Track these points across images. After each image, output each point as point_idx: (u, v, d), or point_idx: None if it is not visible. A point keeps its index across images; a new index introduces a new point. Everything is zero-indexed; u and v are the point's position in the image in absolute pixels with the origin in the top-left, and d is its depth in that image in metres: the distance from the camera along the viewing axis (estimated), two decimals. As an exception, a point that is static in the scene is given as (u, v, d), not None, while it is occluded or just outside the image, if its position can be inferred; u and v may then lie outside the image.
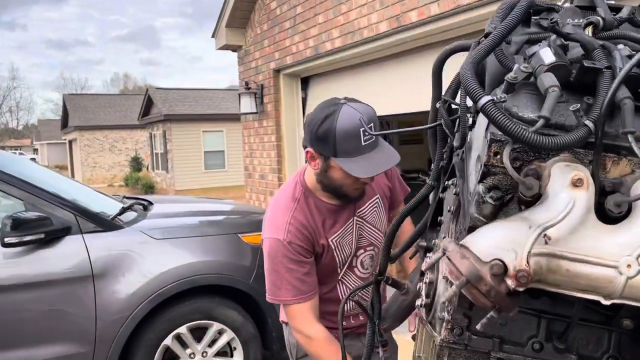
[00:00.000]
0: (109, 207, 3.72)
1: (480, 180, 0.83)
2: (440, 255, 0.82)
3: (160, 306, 3.34)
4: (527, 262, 0.72)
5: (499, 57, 0.89)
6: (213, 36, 7.41)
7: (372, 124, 1.64)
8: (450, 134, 1.11)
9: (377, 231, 1.97)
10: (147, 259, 3.39)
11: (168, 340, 3.39)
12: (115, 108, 30.35)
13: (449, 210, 1.05)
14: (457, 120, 1.15)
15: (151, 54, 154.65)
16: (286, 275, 1.82)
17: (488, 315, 0.73)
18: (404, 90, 4.83)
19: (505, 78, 0.80)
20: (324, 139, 1.66)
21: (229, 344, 3.61)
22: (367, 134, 1.63)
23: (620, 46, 0.85)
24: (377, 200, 1.96)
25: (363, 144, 1.64)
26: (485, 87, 0.95)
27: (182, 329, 3.43)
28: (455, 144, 1.00)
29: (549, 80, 0.77)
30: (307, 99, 6.51)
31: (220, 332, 3.57)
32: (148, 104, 22.78)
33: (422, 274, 1.32)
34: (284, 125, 6.50)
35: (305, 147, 1.78)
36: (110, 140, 29.04)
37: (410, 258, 1.58)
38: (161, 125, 21.70)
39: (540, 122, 0.75)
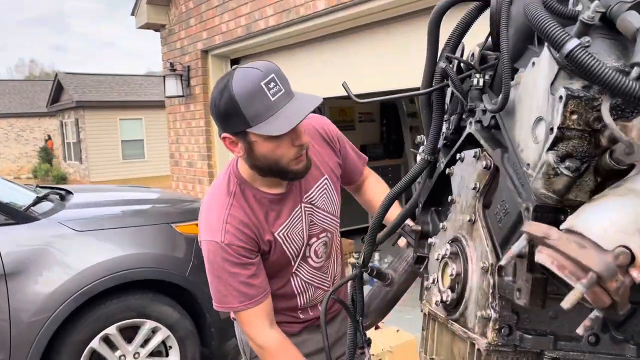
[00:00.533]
0: (20, 197, 3.30)
1: (551, 148, 0.69)
2: (524, 244, 0.65)
3: (86, 305, 3.01)
4: None
5: (550, 3, 0.74)
6: (133, 14, 6.90)
7: (273, 75, 1.40)
8: (463, 96, 0.96)
9: (329, 215, 1.77)
10: (68, 253, 3.04)
11: (95, 343, 3.06)
12: (22, 95, 28.21)
13: (474, 188, 0.88)
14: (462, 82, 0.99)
15: (60, 39, 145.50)
16: (230, 281, 1.59)
17: (592, 316, 0.57)
18: (343, 72, 4.68)
19: (580, 18, 0.66)
20: (230, 114, 1.42)
21: (164, 342, 3.34)
22: (272, 86, 1.39)
23: None
24: (326, 181, 1.74)
25: (272, 99, 1.39)
26: (506, 40, 0.80)
27: (111, 330, 3.12)
28: (490, 107, 0.84)
29: (637, 19, 0.64)
30: (237, 81, 6.21)
31: (154, 331, 3.29)
32: (57, 90, 21.30)
33: (418, 263, 1.17)
34: (213, 109, 6.16)
35: (220, 136, 1.53)
36: (16, 129, 26.99)
37: (393, 245, 1.41)
38: (73, 113, 20.37)
39: (636, 70, 0.62)
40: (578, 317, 0.78)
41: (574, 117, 0.67)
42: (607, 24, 0.69)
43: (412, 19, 4.06)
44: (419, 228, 1.15)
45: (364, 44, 4.51)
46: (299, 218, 1.70)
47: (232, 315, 1.91)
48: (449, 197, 0.99)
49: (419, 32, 4.01)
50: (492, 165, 0.85)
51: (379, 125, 8.93)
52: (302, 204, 1.70)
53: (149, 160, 20.33)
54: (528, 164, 0.74)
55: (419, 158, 1.21)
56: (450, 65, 0.99)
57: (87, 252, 3.09)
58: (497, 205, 0.84)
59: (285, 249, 1.70)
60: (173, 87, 6.32)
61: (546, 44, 0.72)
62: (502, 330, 0.79)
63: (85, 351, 3.03)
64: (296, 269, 1.77)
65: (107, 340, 3.13)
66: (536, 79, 0.74)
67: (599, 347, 0.79)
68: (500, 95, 0.80)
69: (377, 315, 1.43)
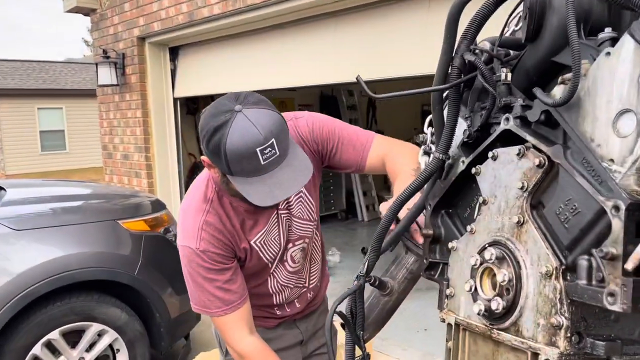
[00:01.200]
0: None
1: None
2: None
3: (26, 310, 2.80)
4: None
5: None
6: (60, -4, 6.46)
7: (273, 140, 1.32)
8: (493, 89, 0.91)
9: (305, 222, 1.73)
10: (6, 254, 2.81)
11: (37, 349, 2.85)
12: None
13: (521, 188, 0.84)
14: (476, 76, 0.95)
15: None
16: (206, 286, 1.54)
17: None
18: (290, 64, 4.62)
19: None
20: (216, 154, 1.35)
21: (110, 346, 3.17)
22: (267, 151, 1.32)
23: None
24: (302, 191, 1.69)
25: (263, 163, 1.32)
26: (575, 25, 0.77)
27: (54, 334, 2.92)
28: (549, 100, 0.79)
29: None
30: (176, 70, 5.98)
31: (100, 334, 3.11)
32: (-34, 76, 19.66)
33: (429, 269, 1.11)
34: (151, 99, 5.91)
35: (201, 153, 1.48)
36: None
37: (391, 251, 1.36)
38: (-16, 101, 18.90)
39: None
40: (636, 319, 0.77)
41: None
42: None
43: (360, 12, 4.07)
44: (431, 232, 1.09)
45: (311, 36, 4.46)
46: (275, 225, 1.66)
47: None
48: (476, 198, 0.94)
49: (366, 26, 4.03)
50: (547, 162, 0.81)
51: (318, 118, 8.93)
52: (279, 211, 1.66)
53: (70, 152, 19.26)
54: (611, 160, 0.71)
55: (422, 158, 1.16)
56: (478, 57, 0.94)
57: (27, 252, 2.88)
58: (559, 205, 0.80)
59: (262, 255, 1.66)
60: (106, 75, 5.97)
61: (629, 32, 0.70)
62: (573, 338, 0.75)
63: (27, 358, 2.82)
64: (273, 272, 1.74)
65: (49, 345, 2.93)
66: (616, 69, 0.71)
67: None
68: (567, 88, 0.77)
69: (375, 328, 1.36)
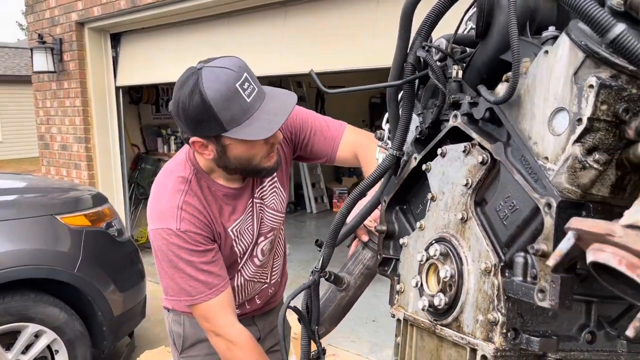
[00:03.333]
0: None
1: (578, 140, 0.66)
2: (573, 242, 0.62)
3: (-45, 312, 2.61)
4: None
5: None
6: (-10, -25, 6.06)
7: (245, 74, 1.31)
8: (444, 87, 0.91)
9: (277, 213, 1.71)
10: None
11: (-33, 354, 2.67)
12: None
13: (465, 184, 0.84)
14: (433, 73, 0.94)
15: None
16: (188, 270, 1.47)
17: None
18: (237, 54, 4.51)
19: (609, 4, 0.64)
20: (202, 119, 1.31)
21: (49, 347, 3.03)
22: (246, 87, 1.31)
23: None
24: (275, 179, 1.67)
25: (249, 100, 1.31)
26: (515, 25, 0.77)
27: (-14, 337, 2.74)
28: (490, 98, 0.80)
29: None
30: (118, 58, 5.74)
31: (37, 335, 2.97)
32: None
33: (383, 265, 1.10)
34: (91, 87, 5.65)
35: (187, 140, 1.42)
36: None
37: (348, 246, 1.34)
38: None
39: None
40: (574, 315, 0.80)
41: (604, 107, 0.65)
42: (624, 15, 0.67)
43: (310, 3, 4.03)
44: (385, 228, 1.08)
45: (260, 25, 4.39)
46: (250, 214, 1.62)
47: (164, 304, 1.76)
48: (427, 195, 0.94)
49: (316, 17, 3.99)
50: (489, 159, 0.81)
51: (267, 109, 8.83)
52: (254, 199, 1.62)
53: (4, 141, 18.26)
54: (546, 157, 0.72)
55: (379, 154, 1.14)
56: (430, 55, 0.94)
57: (-45, 250, 2.69)
58: (499, 202, 0.81)
59: (235, 245, 1.61)
60: (42, 61, 5.67)
61: (565, 32, 0.70)
62: (509, 334, 0.76)
63: (-44, 364, 2.65)
64: (241, 267, 1.69)
65: (-19, 349, 2.76)
66: (553, 67, 0.72)
67: (595, 345, 0.79)
68: (507, 86, 0.77)
69: (331, 323, 1.36)
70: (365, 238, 1.33)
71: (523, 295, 0.73)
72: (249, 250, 1.66)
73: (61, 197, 3.47)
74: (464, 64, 0.93)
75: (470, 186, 0.84)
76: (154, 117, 6.85)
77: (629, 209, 0.61)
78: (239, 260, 1.66)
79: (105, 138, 5.78)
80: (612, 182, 0.69)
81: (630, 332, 0.56)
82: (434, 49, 0.95)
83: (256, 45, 4.39)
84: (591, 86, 0.65)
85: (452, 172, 0.88)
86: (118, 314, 3.29)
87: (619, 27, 0.61)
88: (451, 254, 0.84)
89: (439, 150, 0.91)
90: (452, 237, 0.86)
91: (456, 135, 0.89)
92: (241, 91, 1.29)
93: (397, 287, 1.00)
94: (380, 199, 1.10)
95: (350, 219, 1.17)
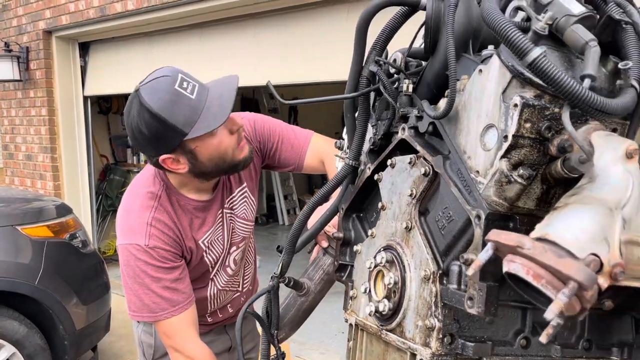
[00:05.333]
0: None
1: (504, 156, 0.70)
2: (491, 252, 0.64)
3: None
4: (620, 253, 0.61)
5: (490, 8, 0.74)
6: (-46, -18, 5.94)
7: (180, 75, 1.33)
8: (394, 100, 0.95)
9: (247, 223, 1.72)
10: None
11: None
12: None
13: (410, 195, 0.87)
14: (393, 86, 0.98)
15: None
16: (152, 286, 1.47)
17: (554, 323, 0.57)
18: (208, 65, 4.51)
19: (534, 28, 0.68)
20: (159, 134, 1.32)
21: (7, 361, 2.93)
22: (185, 85, 1.31)
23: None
24: (245, 188, 1.68)
25: (193, 97, 1.31)
26: (453, 44, 0.80)
27: (-60, 352, 2.65)
28: (432, 113, 0.83)
29: (585, 33, 0.67)
30: (87, 67, 5.67)
31: (-5, 350, 2.87)
32: None
33: (340, 271, 1.13)
34: (58, 96, 5.56)
35: (156, 163, 1.41)
36: None
37: (309, 252, 1.36)
38: None
39: (587, 82, 0.65)
40: (510, 321, 0.82)
41: (528, 125, 0.69)
42: (551, 37, 0.71)
43: (280, 15, 4.05)
44: (341, 235, 1.10)
45: (230, 37, 4.39)
46: (220, 224, 1.63)
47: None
48: (379, 204, 0.97)
49: (287, 30, 4.02)
50: (431, 171, 0.84)
51: (239, 120, 8.81)
52: (224, 210, 1.63)
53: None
54: (477, 171, 0.75)
55: (339, 163, 1.17)
56: (381, 69, 0.97)
57: None
58: (438, 212, 0.84)
59: (206, 256, 1.61)
60: (8, 69, 5.54)
61: (496, 52, 0.73)
62: (445, 339, 0.79)
63: None
64: (213, 277, 1.69)
65: None
66: (485, 86, 0.75)
67: (530, 350, 0.82)
68: (445, 102, 0.80)
69: (291, 327, 1.37)
70: (325, 244, 1.35)
71: (456, 303, 0.76)
72: (220, 259, 1.66)
73: (23, 207, 3.40)
74: (418, 77, 0.96)
75: (415, 196, 0.87)
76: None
77: (541, 222, 0.64)
78: (211, 270, 1.66)
79: (72, 148, 5.68)
80: (537, 196, 0.73)
81: (543, 339, 0.59)
82: (384, 63, 0.98)
83: (227, 57, 4.39)
84: (515, 105, 0.68)
85: (399, 182, 0.92)
86: (80, 327, 3.22)
87: (536, 52, 0.64)
88: (396, 261, 0.87)
89: (389, 162, 0.94)
90: (398, 245, 0.89)
91: (407, 147, 0.92)
92: (182, 91, 1.30)
93: (351, 292, 1.02)
94: (339, 207, 1.13)
95: (311, 225, 1.19)
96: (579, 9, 0.68)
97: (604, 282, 0.59)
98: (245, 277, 1.83)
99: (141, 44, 5.12)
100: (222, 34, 4.47)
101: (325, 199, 1.09)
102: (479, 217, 0.73)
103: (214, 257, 1.63)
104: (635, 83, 0.68)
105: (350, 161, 1.04)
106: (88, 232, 3.75)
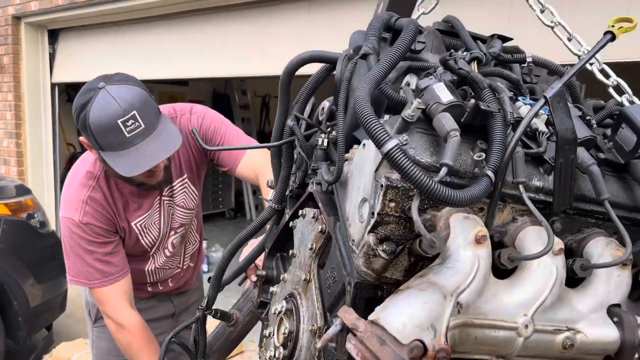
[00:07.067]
0: None
1: (371, 231, 0.73)
2: (339, 329, 0.69)
3: None
4: (446, 339, 0.66)
5: (382, 89, 0.80)
6: None
7: (134, 112, 1.38)
8: (307, 156, 0.98)
9: (187, 211, 1.81)
10: None
11: None
12: None
13: (310, 249, 0.90)
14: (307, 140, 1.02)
15: None
16: (86, 257, 1.58)
17: None
18: (176, 56, 4.59)
19: (402, 115, 0.71)
20: (84, 131, 1.42)
21: (-42, 336, 2.95)
22: (129, 123, 1.38)
23: (500, 83, 0.82)
24: (186, 180, 1.76)
25: (128, 136, 1.38)
26: (343, 116, 0.84)
27: None
28: (326, 177, 0.87)
29: (449, 122, 0.69)
30: (55, 54, 5.68)
31: (-54, 323, 2.89)
32: None
33: (261, 307, 1.16)
34: (24, 82, 5.56)
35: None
36: None
37: (240, 285, 1.43)
38: None
39: (444, 170, 0.68)
40: None
41: (392, 204, 0.71)
42: (427, 119, 0.73)
43: (246, 9, 4.15)
44: (264, 273, 1.15)
45: (198, 29, 4.47)
46: (157, 210, 1.71)
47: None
48: (290, 250, 1.01)
49: (252, 23, 4.12)
50: (327, 230, 0.86)
51: (210, 115, 8.83)
52: (162, 197, 1.71)
53: None
54: (353, 240, 0.77)
55: (266, 204, 1.22)
56: (298, 123, 1.00)
57: None
58: (327, 271, 0.86)
59: (141, 238, 1.70)
60: (-25, 54, 5.54)
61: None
62: None
63: None
64: (152, 256, 1.79)
65: None
66: (365, 161, 0.77)
67: None
68: (336, 168, 0.84)
69: (219, 356, 1.44)
70: (254, 278, 1.37)
71: None
72: (157, 243, 1.76)
73: (-19, 185, 3.42)
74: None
75: (314, 251, 0.91)
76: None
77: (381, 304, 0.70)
78: (150, 250, 1.76)
79: (38, 134, 5.68)
80: (405, 267, 0.76)
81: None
82: (301, 119, 1.02)
83: (195, 49, 4.47)
84: (381, 185, 0.70)
85: (306, 234, 0.95)
86: (35, 305, 3.26)
87: (390, 144, 0.66)
88: (294, 311, 0.91)
89: (300, 212, 0.98)
90: (298, 296, 0.92)
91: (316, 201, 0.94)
92: (122, 127, 1.37)
93: (265, 331, 1.05)
94: (265, 246, 1.18)
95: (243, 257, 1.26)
96: (447, 98, 0.71)
97: None
98: (185, 257, 1.92)
99: (110, 32, 5.16)
100: (189, 25, 4.54)
101: (247, 239, 1.14)
102: (350, 284, 0.76)
103: (150, 239, 1.72)
104: (489, 173, 0.70)
105: (273, 204, 1.09)
106: (51, 217, 3.78)
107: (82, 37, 5.45)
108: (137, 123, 1.38)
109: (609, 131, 0.91)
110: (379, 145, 0.67)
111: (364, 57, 0.84)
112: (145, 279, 1.85)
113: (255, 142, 1.80)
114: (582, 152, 0.79)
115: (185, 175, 1.74)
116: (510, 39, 1.02)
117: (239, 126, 7.54)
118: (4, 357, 3.20)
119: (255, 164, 1.73)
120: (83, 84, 1.46)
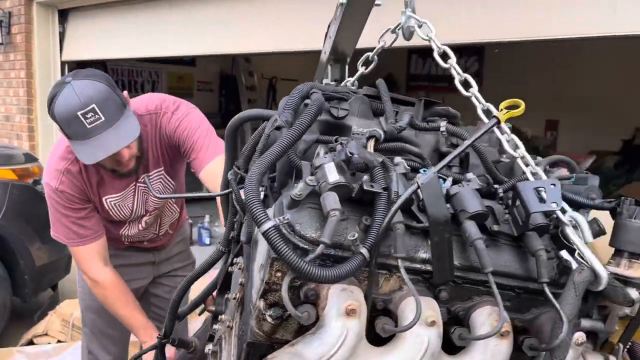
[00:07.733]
0: None
1: (261, 296, 0.78)
2: None
3: None
4: None
5: (290, 158, 0.86)
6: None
7: (93, 105, 1.51)
8: (241, 210, 1.01)
9: (162, 200, 1.97)
10: None
11: None
12: None
13: (234, 298, 0.97)
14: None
15: None
16: (63, 220, 1.79)
17: None
18: (186, 33, 4.70)
19: (291, 195, 0.76)
20: (54, 120, 1.58)
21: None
22: (89, 116, 1.51)
23: (398, 159, 0.87)
24: (162, 172, 1.90)
25: (89, 127, 1.52)
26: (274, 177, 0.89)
27: None
28: (242, 238, 0.93)
29: (331, 202, 0.73)
30: (65, 33, 5.88)
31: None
32: None
33: (211, 341, 1.25)
34: (36, 60, 5.77)
35: None
36: None
37: (199, 314, 1.52)
38: None
39: (320, 248, 0.72)
40: None
41: (279, 274, 0.75)
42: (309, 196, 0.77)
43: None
44: (213, 309, 1.24)
45: (206, 5, 4.57)
46: (131, 193, 1.88)
47: None
48: (229, 293, 1.08)
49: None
50: (245, 286, 0.91)
51: (218, 96, 9.02)
52: (138, 184, 1.87)
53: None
54: (251, 301, 0.82)
55: (215, 247, 1.28)
56: (235, 177, 1.03)
57: None
58: (241, 323, 0.91)
59: (113, 214, 1.88)
60: (-10, 33, 5.76)
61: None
62: None
63: None
64: (127, 225, 1.98)
65: None
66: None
67: None
68: (247, 231, 0.90)
69: None
70: (212, 309, 1.43)
71: None
72: (129, 219, 1.94)
73: (-10, 151, 3.63)
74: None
75: (238, 300, 0.98)
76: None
77: None
78: (122, 223, 1.95)
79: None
80: (295, 329, 0.81)
81: None
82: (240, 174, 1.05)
83: (201, 26, 4.57)
84: (269, 257, 0.75)
85: (235, 282, 1.03)
86: (40, 264, 3.47)
87: (266, 225, 0.71)
88: (218, 354, 0.97)
89: (235, 260, 1.06)
90: (224, 340, 1.00)
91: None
92: (82, 119, 1.52)
93: None
94: (217, 283, 1.27)
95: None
96: (334, 179, 0.75)
97: None
98: (162, 226, 2.09)
99: (118, 12, 5.32)
100: (196, 3, 4.65)
101: (196, 279, 1.24)
102: (245, 342, 0.83)
103: (122, 216, 1.90)
104: (363, 251, 0.74)
105: (220, 247, 1.18)
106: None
107: (90, 16, 5.63)
108: (96, 116, 1.53)
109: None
110: (258, 225, 0.72)
111: (278, 129, 0.89)
112: (121, 239, 2.04)
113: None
114: (470, 226, 0.80)
115: (162, 168, 1.89)
116: (440, 103, 1.07)
117: (246, 106, 7.59)
118: (10, 314, 3.43)
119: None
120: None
